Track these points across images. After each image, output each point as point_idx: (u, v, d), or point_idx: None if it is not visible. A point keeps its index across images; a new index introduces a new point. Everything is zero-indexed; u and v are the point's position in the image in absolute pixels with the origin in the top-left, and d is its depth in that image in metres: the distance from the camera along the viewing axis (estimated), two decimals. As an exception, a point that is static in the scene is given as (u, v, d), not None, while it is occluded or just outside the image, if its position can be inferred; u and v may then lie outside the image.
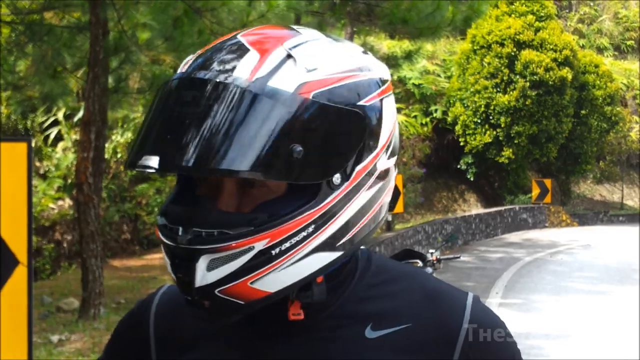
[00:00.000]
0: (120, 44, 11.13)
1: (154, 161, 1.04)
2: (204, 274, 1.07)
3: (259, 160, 1.03)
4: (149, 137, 1.09)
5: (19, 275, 4.07)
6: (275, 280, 1.09)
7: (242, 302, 1.09)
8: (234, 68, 1.09)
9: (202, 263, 1.07)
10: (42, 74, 11.64)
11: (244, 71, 1.08)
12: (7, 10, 11.38)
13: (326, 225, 1.11)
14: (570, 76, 24.91)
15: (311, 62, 1.11)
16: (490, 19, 25.20)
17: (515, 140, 24.62)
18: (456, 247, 17.61)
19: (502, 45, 24.90)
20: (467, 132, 25.04)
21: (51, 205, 15.67)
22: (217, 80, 1.07)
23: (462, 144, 25.25)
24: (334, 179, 1.10)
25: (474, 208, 25.19)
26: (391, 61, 18.05)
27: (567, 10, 36.25)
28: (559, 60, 24.91)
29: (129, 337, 1.34)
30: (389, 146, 1.18)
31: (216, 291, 1.08)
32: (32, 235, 4.23)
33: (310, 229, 1.09)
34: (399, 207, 16.67)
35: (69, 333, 8.72)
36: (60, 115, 17.21)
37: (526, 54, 24.61)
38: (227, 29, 10.60)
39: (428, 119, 25.12)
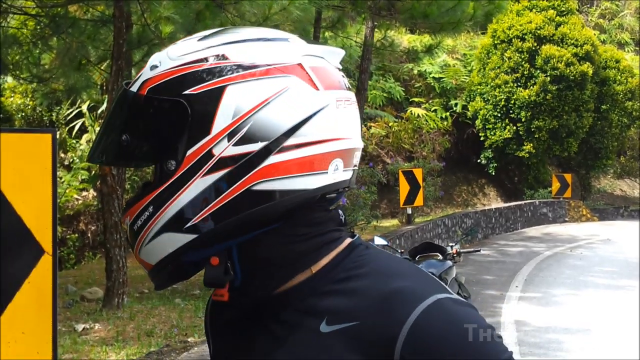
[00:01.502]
0: (144, 37, 11.24)
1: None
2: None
3: (107, 151, 1.27)
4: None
5: (44, 265, 4.11)
6: (148, 253, 1.23)
7: (147, 270, 1.26)
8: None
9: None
10: (67, 66, 11.76)
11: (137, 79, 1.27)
12: (32, 3, 11.51)
13: (164, 206, 1.19)
14: (591, 71, 24.76)
15: (157, 60, 1.23)
16: (511, 14, 25.09)
17: (536, 134, 24.52)
18: (476, 241, 17.62)
19: (522, 39, 24.79)
20: (487, 127, 24.97)
21: (75, 196, 15.83)
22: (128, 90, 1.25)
23: (482, 138, 25.18)
24: (168, 164, 1.19)
25: (493, 202, 25.13)
26: (411, 55, 18.04)
27: (588, 5, 35.99)
28: (580, 55, 24.77)
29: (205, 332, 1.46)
30: (233, 133, 1.16)
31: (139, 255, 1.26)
32: (57, 225, 4.28)
33: (151, 209, 1.20)
34: (419, 201, 16.71)
35: (93, 322, 8.81)
36: (84, 108, 17.36)
37: (547, 49, 24.49)
38: (248, 23, 10.66)
39: (448, 113, 25.07)
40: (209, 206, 1.17)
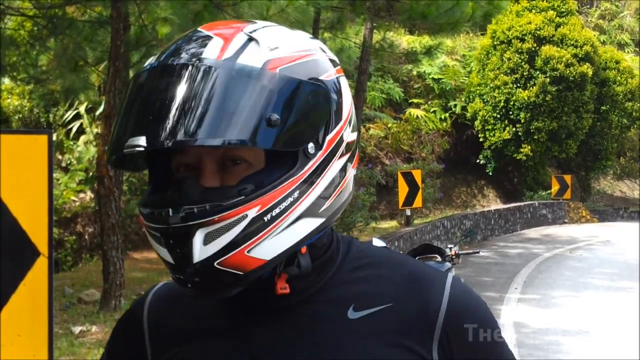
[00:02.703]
0: (141, 38, 11.22)
1: (141, 140, 1.09)
2: (201, 249, 1.12)
3: (243, 130, 1.11)
4: (128, 124, 1.14)
5: (40, 267, 4.08)
6: (270, 246, 1.15)
7: (241, 273, 1.14)
8: (202, 52, 1.17)
9: (198, 237, 1.12)
10: (64, 67, 11.74)
11: (212, 53, 1.16)
12: (29, 5, 11.49)
13: (309, 191, 1.18)
14: (590, 72, 24.75)
15: (272, 42, 1.19)
16: (511, 15, 25.09)
17: (535, 136, 24.51)
18: (475, 243, 17.60)
19: (522, 40, 24.78)
20: (486, 128, 24.96)
21: (73, 197, 15.80)
22: (189, 63, 1.14)
23: (481, 139, 25.17)
24: (309, 147, 1.17)
25: (493, 203, 25.12)
26: (411, 56, 18.02)
27: (588, 6, 36.01)
28: (580, 56, 24.76)
29: (125, 336, 1.37)
30: (350, 120, 1.26)
31: (215, 264, 1.13)
32: (54, 227, 4.25)
33: (296, 194, 1.16)
34: (418, 202, 16.68)
35: (90, 324, 8.80)
36: (82, 109, 17.33)
37: (546, 50, 24.48)
38: (247, 24, 10.66)
39: (447, 114, 25.06)
40: (336, 190, 1.23)
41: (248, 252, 1.14)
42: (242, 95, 1.12)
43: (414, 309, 1.24)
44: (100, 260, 10.66)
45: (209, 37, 1.19)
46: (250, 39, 1.18)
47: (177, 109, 1.11)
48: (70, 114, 17.41)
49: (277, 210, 1.14)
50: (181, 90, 1.12)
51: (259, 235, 1.14)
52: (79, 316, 9.34)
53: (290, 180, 1.15)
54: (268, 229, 1.14)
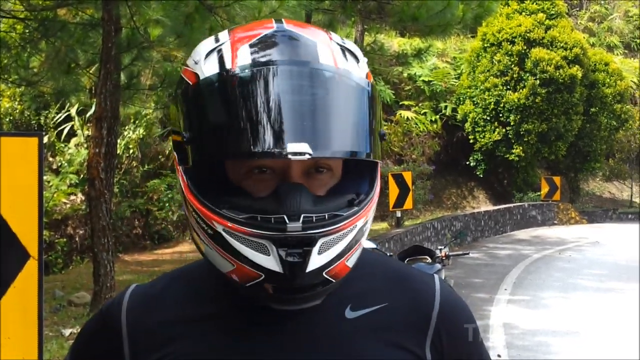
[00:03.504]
0: (133, 41, 11.22)
1: (305, 147, 1.07)
2: (314, 258, 1.11)
3: (370, 144, 1.15)
4: (276, 124, 1.09)
5: (30, 269, 4.09)
6: (357, 255, 1.20)
7: (334, 281, 1.16)
8: (318, 58, 1.15)
9: (317, 247, 1.11)
10: (56, 70, 11.72)
11: (328, 60, 1.16)
12: (21, 7, 11.47)
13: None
14: (580, 74, 24.85)
15: (360, 55, 1.23)
16: (501, 17, 25.16)
17: (525, 138, 24.58)
18: (465, 244, 17.63)
19: (512, 43, 24.86)
20: (476, 130, 25.02)
21: (64, 200, 15.76)
22: (317, 68, 1.14)
23: (471, 141, 25.23)
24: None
25: (483, 205, 25.17)
26: (401, 59, 18.05)
27: (578, 9, 36.14)
28: (569, 58, 24.87)
29: (98, 339, 1.32)
30: None
31: (324, 273, 1.13)
32: (44, 230, 4.26)
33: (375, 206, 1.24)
34: (408, 204, 16.70)
35: (80, 326, 8.76)
36: (73, 111, 17.29)
37: (536, 52, 24.57)
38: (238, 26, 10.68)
39: (437, 116, 25.10)
40: None
41: (347, 261, 1.16)
42: (367, 109, 1.17)
43: (408, 308, 1.27)
44: (90, 263, 10.65)
45: (310, 41, 1.18)
46: (345, 49, 1.20)
47: (327, 118, 1.12)
48: (61, 116, 17.37)
49: (370, 221, 1.20)
50: (323, 97, 1.12)
51: (357, 245, 1.18)
52: (69, 318, 9.32)
53: (377, 191, 1.20)
54: (362, 239, 1.19)
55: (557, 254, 17.05)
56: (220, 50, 1.17)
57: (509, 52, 24.73)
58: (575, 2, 35.67)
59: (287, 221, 1.09)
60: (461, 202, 25.27)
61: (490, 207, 23.40)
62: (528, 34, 24.86)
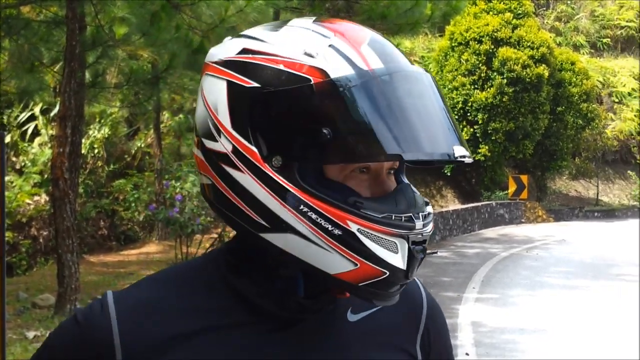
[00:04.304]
0: (98, 39, 11.08)
1: (463, 151, 1.12)
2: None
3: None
4: (417, 128, 1.10)
5: (-7, 271, 4.01)
6: None
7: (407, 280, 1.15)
8: (410, 61, 1.18)
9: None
10: (19, 68, 11.55)
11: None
12: (-17, 4, 11.29)
13: None
14: (546, 73, 25.07)
15: None
16: (469, 17, 25.31)
17: (492, 136, 24.75)
18: (433, 243, 17.70)
19: (479, 42, 25.01)
20: (444, 129, 25.11)
21: (27, 200, 15.55)
22: (426, 73, 1.17)
23: (439, 140, 25.32)
24: None
25: (451, 204, 25.30)
26: (369, 57, 18.07)
27: (544, 8, 36.47)
28: (536, 57, 25.08)
29: (79, 355, 1.19)
30: None
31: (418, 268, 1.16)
32: (6, 231, 4.18)
33: None
34: (377, 203, 16.71)
35: (44, 329, 8.66)
36: (37, 110, 17.09)
37: (504, 51, 24.73)
38: (205, 24, 10.58)
39: (406, 115, 25.15)
40: None
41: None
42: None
43: (401, 309, 1.27)
44: (55, 264, 10.51)
45: (387, 42, 1.19)
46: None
47: (451, 122, 1.14)
48: (25, 115, 17.15)
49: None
50: (438, 101, 1.15)
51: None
52: (34, 321, 9.19)
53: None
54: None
55: (525, 252, 17.18)
56: (337, 49, 1.13)
57: (477, 52, 24.88)
58: (542, 1, 36.00)
59: (414, 219, 1.13)
60: (429, 201, 25.31)
61: (459, 206, 23.52)
62: (495, 34, 25.03)
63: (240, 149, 1.13)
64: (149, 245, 16.44)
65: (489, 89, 24.55)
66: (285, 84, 1.11)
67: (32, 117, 17.28)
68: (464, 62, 24.96)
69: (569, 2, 36.93)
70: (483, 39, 24.98)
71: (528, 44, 25.21)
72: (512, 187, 25.64)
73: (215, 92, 1.16)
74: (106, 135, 17.49)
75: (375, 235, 1.10)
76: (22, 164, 16.42)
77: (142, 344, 1.17)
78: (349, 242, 1.10)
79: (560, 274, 13.98)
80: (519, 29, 25.47)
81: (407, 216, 1.12)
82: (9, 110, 16.91)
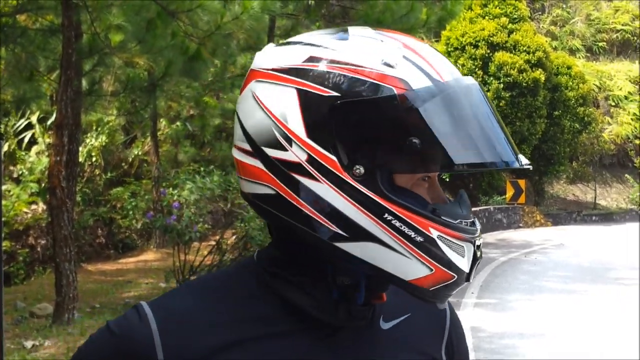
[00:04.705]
0: (94, 47, 11.06)
1: (525, 159, 1.22)
2: None
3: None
4: (491, 137, 1.17)
5: (-9, 281, 4.00)
6: None
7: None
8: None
9: None
10: (16, 77, 11.54)
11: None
12: (-22, 13, 11.28)
13: None
14: (543, 77, 25.10)
15: None
16: (464, 21, 25.35)
17: (490, 141, 24.73)
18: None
19: (475, 47, 25.04)
20: (442, 134, 25.14)
21: (25, 209, 15.52)
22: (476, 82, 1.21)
23: (437, 145, 25.34)
24: None
25: (449, 209, 25.28)
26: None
27: (540, 13, 36.53)
28: (532, 61, 25.11)
29: None
30: None
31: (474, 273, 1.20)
32: (3, 240, 4.17)
33: None
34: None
35: (42, 338, 8.63)
36: (34, 119, 17.07)
37: (500, 56, 24.77)
38: (201, 31, 10.58)
39: (403, 121, 25.18)
40: None
41: None
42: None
43: (427, 317, 1.33)
44: (53, 273, 10.48)
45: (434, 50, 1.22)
46: None
47: (504, 132, 1.20)
48: (22, 124, 17.13)
49: None
50: (493, 112, 1.20)
51: None
52: (32, 330, 9.16)
53: None
54: None
55: (523, 257, 17.17)
56: (410, 60, 1.15)
57: (473, 56, 24.91)
58: (537, 6, 36.07)
59: (475, 224, 1.19)
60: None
61: (457, 211, 23.47)
62: (491, 38, 25.06)
63: (317, 158, 1.12)
64: (147, 253, 16.41)
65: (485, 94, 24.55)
66: (368, 93, 1.11)
67: (29, 126, 17.27)
68: (460, 67, 24.96)
69: (564, 6, 36.99)
70: (479, 44, 25.01)
71: (524, 49, 25.24)
72: (510, 192, 25.65)
73: (281, 100, 1.14)
74: (103, 144, 17.47)
75: (449, 241, 1.13)
76: (20, 172, 16.39)
77: (185, 355, 1.14)
78: (428, 248, 1.12)
79: (558, 278, 13.97)
80: (514, 33, 25.51)
81: (471, 221, 1.18)
82: (6, 118, 16.90)
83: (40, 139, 17.00)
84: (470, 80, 1.18)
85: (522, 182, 25.96)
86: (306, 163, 1.12)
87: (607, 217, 29.26)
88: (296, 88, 1.13)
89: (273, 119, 1.14)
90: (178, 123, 18.97)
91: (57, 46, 10.93)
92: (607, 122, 32.59)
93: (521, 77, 24.54)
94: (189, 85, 14.87)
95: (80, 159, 15.01)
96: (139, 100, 13.32)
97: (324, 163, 1.11)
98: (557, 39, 35.46)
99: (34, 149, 17.01)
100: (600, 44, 36.48)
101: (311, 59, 1.14)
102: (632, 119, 32.60)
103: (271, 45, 1.23)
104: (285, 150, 1.13)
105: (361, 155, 1.11)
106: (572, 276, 14.16)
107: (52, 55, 11.57)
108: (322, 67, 1.13)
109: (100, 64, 11.60)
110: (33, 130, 17.17)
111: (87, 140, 17.24)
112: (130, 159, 18.63)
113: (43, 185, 15.31)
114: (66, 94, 9.33)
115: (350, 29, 1.20)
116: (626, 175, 32.63)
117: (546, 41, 28.77)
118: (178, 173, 14.57)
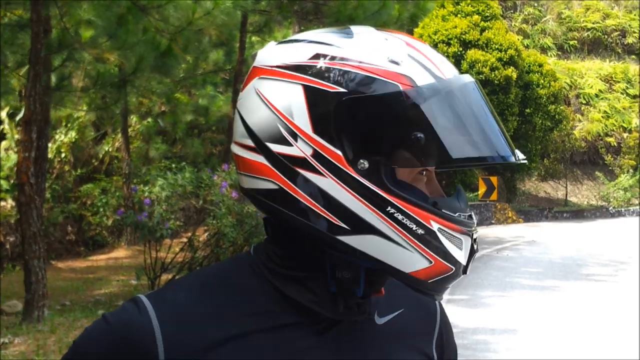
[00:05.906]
0: (64, 42, 10.93)
1: (520, 153, 1.24)
2: None
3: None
4: (490, 133, 1.20)
5: (-42, 278, 3.93)
6: None
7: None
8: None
9: None
10: (-17, 72, 11.38)
11: None
12: (-54, 7, 11.11)
13: None
14: (515, 75, 25.25)
15: None
16: (437, 19, 25.42)
17: (462, 138, 24.86)
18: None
19: (448, 44, 25.13)
20: (414, 131, 25.21)
21: (-7, 206, 15.34)
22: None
23: (409, 142, 25.41)
24: None
25: (421, 206, 25.36)
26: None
27: (512, 11, 36.75)
28: (504, 59, 25.24)
29: (117, 353, 1.16)
30: None
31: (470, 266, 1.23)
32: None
33: None
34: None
35: (12, 336, 8.52)
36: (3, 115, 16.85)
37: (472, 54, 24.88)
38: (172, 27, 10.50)
39: (376, 118, 25.23)
40: None
41: None
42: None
43: (419, 313, 1.36)
44: (22, 270, 10.35)
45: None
46: None
47: (500, 128, 1.22)
48: (-10, 120, 16.90)
49: None
50: (489, 109, 1.22)
51: None
52: (1, 328, 9.04)
53: None
54: None
55: (495, 253, 17.26)
56: (414, 57, 1.19)
57: (445, 54, 24.95)
58: (509, 4, 36.28)
59: (472, 217, 1.21)
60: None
61: (429, 208, 23.56)
62: (464, 36, 25.17)
63: (323, 153, 1.14)
64: (118, 251, 16.28)
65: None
66: (375, 90, 1.13)
67: (-2, 122, 17.04)
68: (433, 64, 25.07)
69: (536, 4, 37.25)
70: (451, 42, 25.10)
71: (496, 47, 25.37)
72: (482, 189, 25.78)
73: (286, 96, 1.15)
74: (73, 140, 17.29)
75: (449, 233, 1.17)
76: (-12, 169, 16.19)
77: (186, 347, 1.15)
78: (429, 240, 1.15)
79: (530, 274, 14.06)
80: (487, 31, 25.64)
81: (469, 214, 1.21)
82: (-26, 115, 16.67)
83: (9, 135, 16.78)
84: (469, 78, 1.21)
85: (494, 179, 26.11)
86: (311, 158, 1.14)
87: (578, 214, 29.51)
88: (303, 84, 1.15)
89: (278, 115, 1.16)
90: (149, 119, 18.84)
91: (26, 41, 10.79)
92: (578, 120, 32.87)
93: (493, 75, 24.67)
94: (161, 82, 14.77)
95: (50, 155, 14.85)
96: (110, 96, 13.20)
97: (329, 158, 1.14)
98: (528, 37, 35.69)
99: (3, 144, 16.79)
100: (572, 42, 36.77)
101: (317, 56, 1.16)
102: (602, 117, 32.91)
103: (273, 43, 1.24)
104: (290, 145, 1.15)
105: (366, 150, 1.14)
106: (544, 272, 14.26)
107: (21, 50, 11.43)
108: (328, 64, 1.15)
109: (70, 59, 11.46)
110: (2, 126, 16.95)
111: (57, 137, 17.05)
112: (101, 156, 18.45)
113: (12, 181, 15.13)
114: (35, 89, 9.20)
115: (353, 27, 1.22)
116: (597, 172, 32.93)
117: (518, 39, 28.95)
118: (149, 170, 14.48)
